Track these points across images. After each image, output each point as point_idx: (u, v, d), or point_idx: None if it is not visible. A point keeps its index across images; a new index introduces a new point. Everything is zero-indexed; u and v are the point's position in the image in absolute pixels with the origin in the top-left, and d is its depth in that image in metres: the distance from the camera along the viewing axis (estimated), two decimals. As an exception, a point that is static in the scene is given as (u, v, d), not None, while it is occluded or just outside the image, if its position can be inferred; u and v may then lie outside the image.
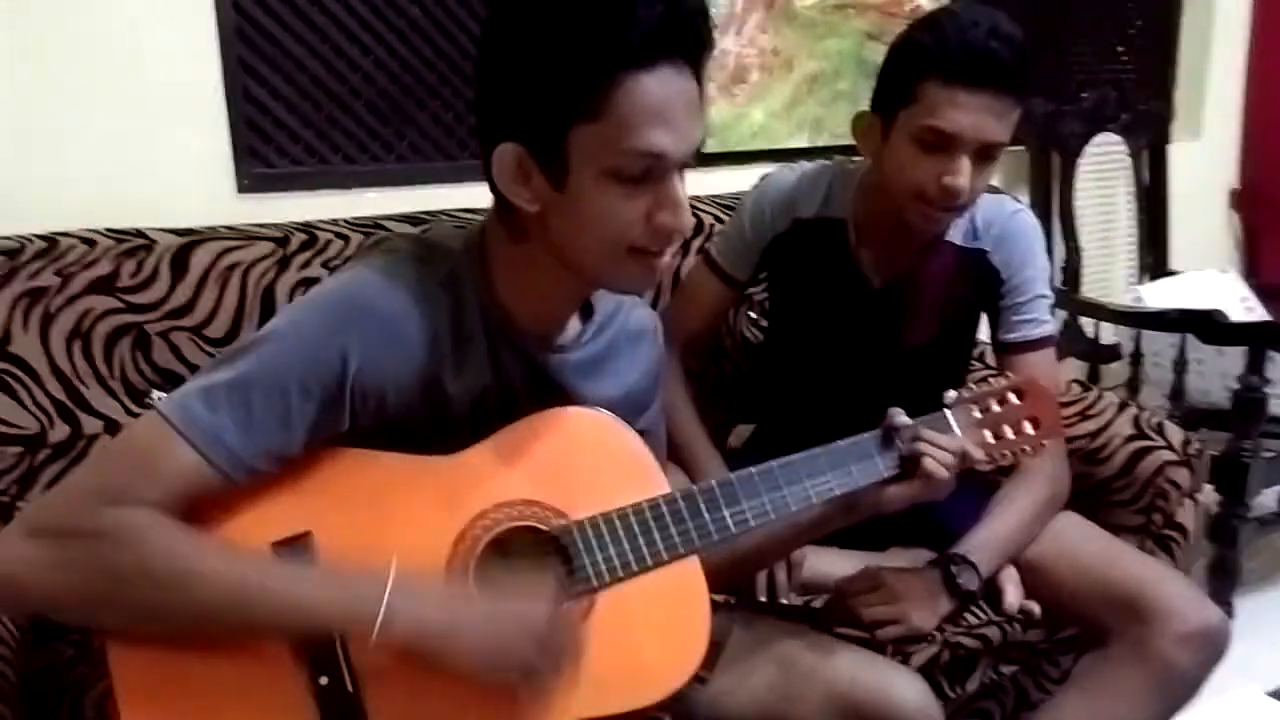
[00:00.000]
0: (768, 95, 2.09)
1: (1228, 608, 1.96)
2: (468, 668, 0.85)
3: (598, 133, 0.84)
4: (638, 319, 1.09)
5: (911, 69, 1.24)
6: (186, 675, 0.85)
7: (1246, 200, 2.93)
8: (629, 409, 1.06)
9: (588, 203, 0.87)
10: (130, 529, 0.82)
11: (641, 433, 1.05)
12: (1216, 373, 2.13)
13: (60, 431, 1.22)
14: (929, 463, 1.04)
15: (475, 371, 0.97)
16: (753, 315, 1.75)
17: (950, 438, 1.06)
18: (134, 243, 1.33)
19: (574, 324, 1.03)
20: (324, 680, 0.86)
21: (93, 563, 0.81)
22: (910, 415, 1.08)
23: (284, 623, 0.85)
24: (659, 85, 0.84)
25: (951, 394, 1.11)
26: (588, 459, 0.99)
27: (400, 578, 0.84)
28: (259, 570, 0.85)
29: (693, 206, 1.68)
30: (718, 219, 1.72)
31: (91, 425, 1.24)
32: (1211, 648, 1.26)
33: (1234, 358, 2.00)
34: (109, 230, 1.34)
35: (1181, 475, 1.53)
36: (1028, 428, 1.12)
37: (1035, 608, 1.37)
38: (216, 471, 0.85)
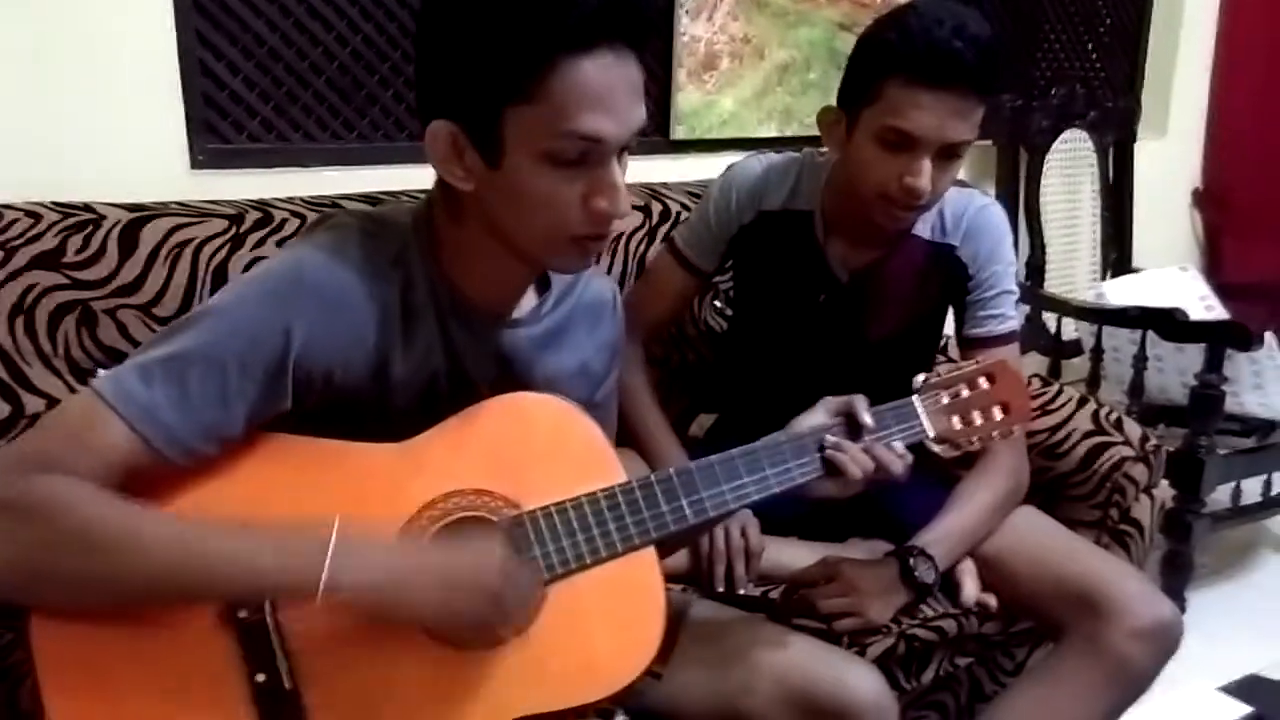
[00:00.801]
0: (738, 83, 2.08)
1: (1180, 602, 1.99)
2: (418, 616, 0.84)
3: (534, 114, 0.83)
4: (596, 289, 1.08)
5: (875, 67, 1.23)
6: (117, 675, 0.82)
7: (1209, 200, 2.97)
8: (585, 380, 1.05)
9: (523, 184, 0.86)
10: (61, 496, 0.79)
11: (595, 405, 1.04)
12: (1175, 370, 2.16)
13: (0, 410, 1.18)
14: (843, 459, 1.02)
15: (425, 352, 0.95)
16: (718, 304, 1.74)
17: (864, 459, 1.02)
18: (81, 217, 1.29)
19: (530, 297, 1.02)
20: (261, 677, 0.84)
21: (26, 535, 0.78)
22: (874, 405, 1.06)
23: (226, 586, 0.82)
24: (597, 69, 0.82)
25: (920, 378, 1.10)
26: (542, 447, 0.97)
27: (344, 531, 0.82)
28: (198, 535, 0.82)
29: (660, 193, 1.71)
30: (685, 206, 1.71)
31: (34, 404, 1.19)
32: (1164, 643, 1.27)
33: (1193, 355, 2.02)
34: (55, 204, 1.30)
35: (1139, 471, 1.54)
36: (997, 413, 1.11)
37: (992, 600, 1.38)
38: (149, 448, 0.82)
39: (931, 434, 1.08)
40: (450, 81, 0.85)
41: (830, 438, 1.02)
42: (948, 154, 1.24)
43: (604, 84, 0.82)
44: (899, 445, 1.04)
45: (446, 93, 0.86)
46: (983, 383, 1.11)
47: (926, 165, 1.22)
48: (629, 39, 0.84)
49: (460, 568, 0.86)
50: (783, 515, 1.34)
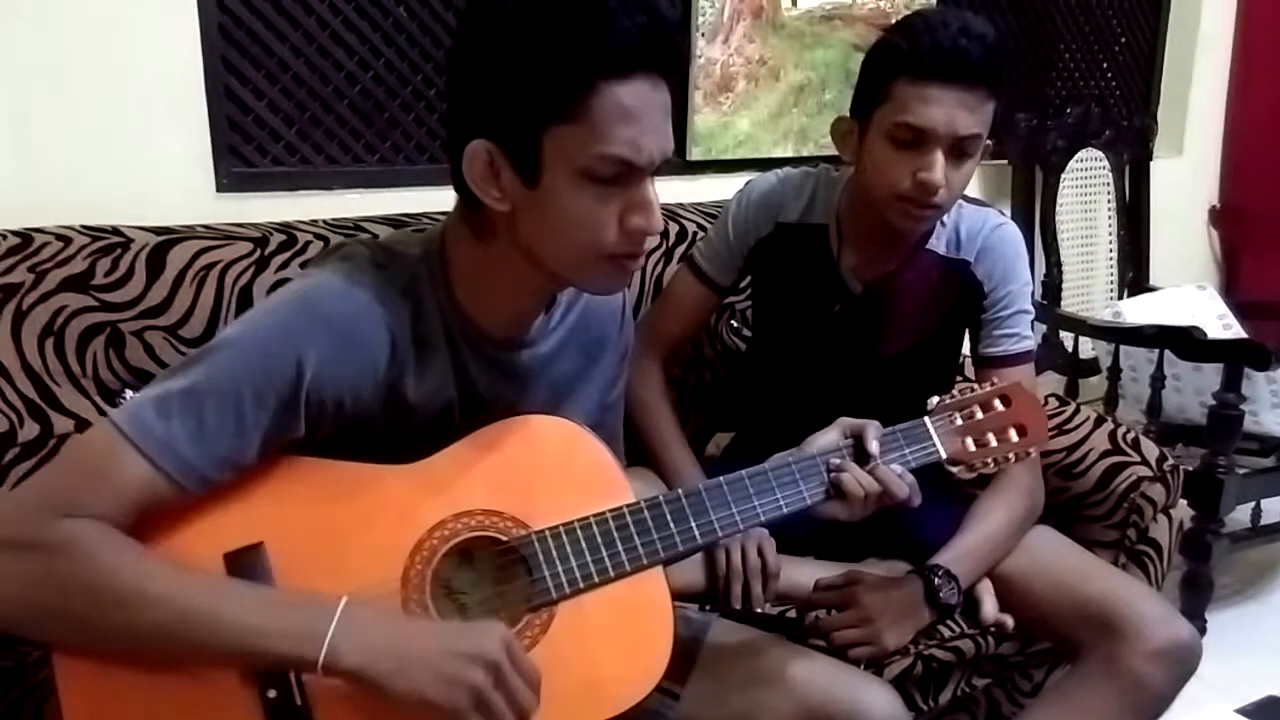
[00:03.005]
0: (754, 104, 2.10)
1: (1200, 624, 1.98)
2: (416, 703, 0.82)
3: (572, 134, 0.85)
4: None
5: (884, 69, 1.26)
6: (132, 687, 0.83)
7: (1226, 218, 2.96)
8: (594, 382, 1.07)
9: (561, 202, 0.88)
10: (82, 543, 0.81)
11: (607, 406, 1.06)
12: (1193, 389, 2.15)
13: (30, 430, 1.20)
14: (848, 481, 1.02)
15: (437, 379, 0.97)
16: (734, 324, 1.75)
17: (869, 479, 1.02)
18: (110, 240, 1.32)
19: (539, 317, 1.04)
20: (272, 694, 0.85)
21: (43, 577, 0.80)
22: (889, 425, 1.07)
23: (229, 652, 0.83)
24: (634, 95, 0.85)
25: (934, 399, 1.10)
26: (551, 467, 0.98)
27: (349, 609, 0.83)
28: (208, 597, 0.83)
29: (677, 214, 1.73)
30: (701, 227, 1.72)
31: (63, 425, 1.22)
32: (1182, 664, 1.27)
33: (1210, 374, 2.02)
34: (84, 227, 1.33)
35: (1156, 491, 1.54)
36: (1013, 435, 1.10)
37: (1009, 620, 1.37)
38: (169, 481, 0.84)
39: (944, 455, 1.07)
40: (490, 102, 0.87)
41: (834, 460, 1.03)
42: (959, 152, 1.25)
43: (639, 107, 0.86)
44: (898, 468, 1.04)
45: (486, 113, 0.88)
46: (998, 404, 1.10)
47: (939, 159, 1.24)
48: (663, 68, 0.87)
49: (459, 650, 0.84)
50: (799, 534, 1.35)
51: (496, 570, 0.96)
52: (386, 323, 0.93)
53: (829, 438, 1.05)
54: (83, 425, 1.23)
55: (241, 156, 1.63)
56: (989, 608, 1.36)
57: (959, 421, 1.09)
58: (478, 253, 0.95)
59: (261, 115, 1.64)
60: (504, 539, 0.94)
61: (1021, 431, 1.10)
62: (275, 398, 0.87)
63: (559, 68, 0.83)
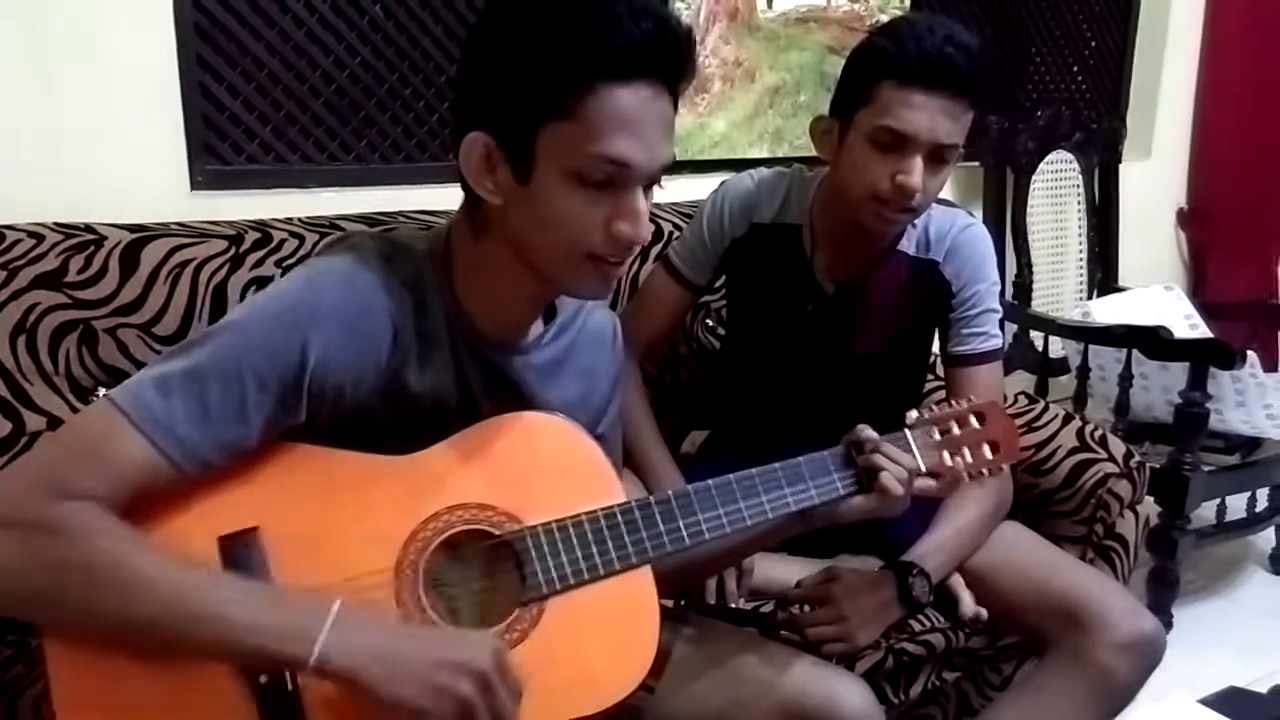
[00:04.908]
0: (729, 105, 2.11)
1: (1167, 618, 2.01)
2: (404, 709, 0.82)
3: (567, 133, 0.86)
4: (597, 321, 1.11)
5: (869, 72, 1.28)
6: (124, 670, 0.84)
7: (1193, 219, 3.01)
8: (587, 411, 1.07)
9: (549, 200, 0.89)
10: (79, 527, 0.80)
11: (599, 437, 1.06)
12: (1160, 388, 2.19)
13: (1, 428, 1.19)
14: (886, 478, 1.04)
15: (439, 373, 0.97)
16: (709, 323, 1.77)
17: (908, 458, 1.07)
18: (83, 238, 1.31)
19: (536, 325, 1.04)
20: (264, 678, 0.85)
21: (37, 556, 0.80)
22: (861, 423, 1.08)
23: (220, 647, 0.82)
24: (633, 99, 0.86)
25: (913, 414, 1.12)
26: (545, 464, 0.99)
27: (344, 612, 0.82)
28: (202, 590, 0.82)
29: (653, 214, 1.72)
30: (677, 226, 1.74)
31: (35, 422, 1.21)
32: (1147, 656, 1.29)
33: (1177, 373, 2.05)
34: (57, 224, 1.32)
35: (1123, 487, 1.57)
36: (986, 451, 1.13)
37: (984, 614, 1.39)
38: (167, 461, 0.84)
39: (923, 468, 1.09)
40: (490, 94, 0.88)
41: (867, 444, 1.04)
42: (937, 158, 1.27)
43: (637, 114, 0.86)
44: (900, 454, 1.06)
45: (486, 105, 0.89)
46: (973, 421, 1.13)
47: (918, 164, 1.26)
48: (665, 77, 0.88)
49: (452, 664, 0.83)
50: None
51: (488, 564, 0.97)
52: (390, 313, 0.93)
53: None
54: (55, 423, 1.22)
55: (216, 154, 1.63)
56: (968, 603, 1.38)
57: (937, 436, 1.11)
58: (475, 249, 0.96)
59: (237, 113, 1.63)
60: (497, 533, 0.95)
61: (995, 448, 1.13)
62: (278, 382, 0.87)
63: (558, 64, 0.84)
